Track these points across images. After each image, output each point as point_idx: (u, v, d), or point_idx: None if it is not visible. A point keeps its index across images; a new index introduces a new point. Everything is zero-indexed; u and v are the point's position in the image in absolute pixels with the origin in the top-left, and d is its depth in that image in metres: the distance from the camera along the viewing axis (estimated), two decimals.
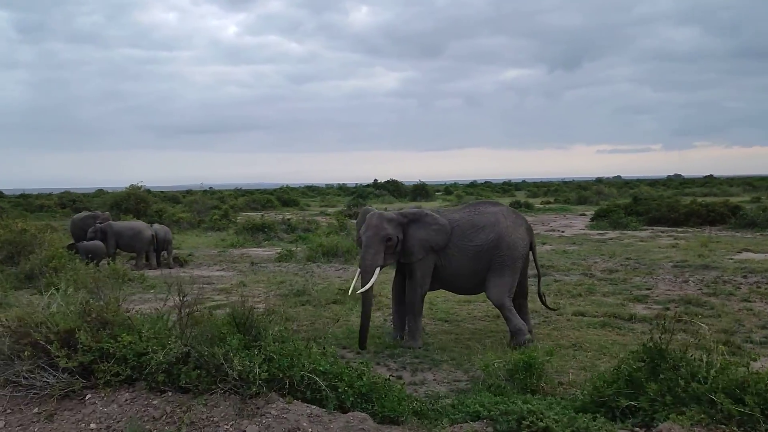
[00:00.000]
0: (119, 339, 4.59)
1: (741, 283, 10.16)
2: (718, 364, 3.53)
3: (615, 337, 7.14)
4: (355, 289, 7.11)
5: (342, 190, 72.88)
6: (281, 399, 4.18)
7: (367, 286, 6.74)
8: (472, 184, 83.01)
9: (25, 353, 4.62)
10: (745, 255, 13.72)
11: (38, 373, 4.59)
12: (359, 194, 50.91)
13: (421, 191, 50.22)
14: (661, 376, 3.67)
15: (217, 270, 13.70)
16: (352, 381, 4.29)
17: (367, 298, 6.81)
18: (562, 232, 20.68)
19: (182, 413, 4.18)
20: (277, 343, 4.40)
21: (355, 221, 19.41)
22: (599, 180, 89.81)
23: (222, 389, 4.24)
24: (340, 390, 4.20)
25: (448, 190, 61.37)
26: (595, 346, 6.67)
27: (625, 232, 19.83)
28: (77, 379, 4.49)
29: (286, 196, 44.00)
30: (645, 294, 9.54)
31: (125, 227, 13.96)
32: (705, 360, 3.58)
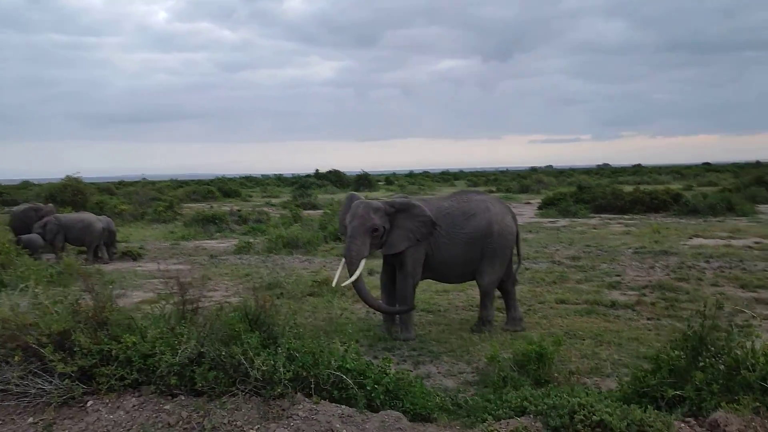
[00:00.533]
0: (121, 340, 4.26)
1: (705, 268, 10.46)
2: (766, 351, 3.51)
3: (604, 323, 7.19)
4: (339, 281, 6.90)
5: (281, 180, 71.93)
6: (307, 399, 3.96)
7: (353, 278, 6.54)
8: (411, 174, 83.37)
9: (15, 358, 4.24)
10: (696, 241, 14.18)
11: (31, 379, 4.21)
12: (301, 185, 50.31)
13: (364, 181, 50.01)
14: (702, 364, 3.63)
15: (175, 263, 13.17)
16: (379, 378, 4.10)
17: (360, 288, 6.61)
18: None
19: (200, 418, 3.90)
20: (296, 340, 4.17)
21: (305, 212, 19.11)
22: (534, 169, 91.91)
23: (242, 391, 3.98)
24: (368, 388, 4.00)
25: (389, 180, 61.41)
26: (589, 334, 6.69)
27: (575, 219, 20.23)
28: (76, 384, 4.13)
29: (226, 187, 42.99)
30: (617, 280, 9.69)
31: (74, 220, 13.22)
32: (751, 347, 3.55)
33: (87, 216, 13.64)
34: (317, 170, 57.18)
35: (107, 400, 4.14)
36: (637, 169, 72.19)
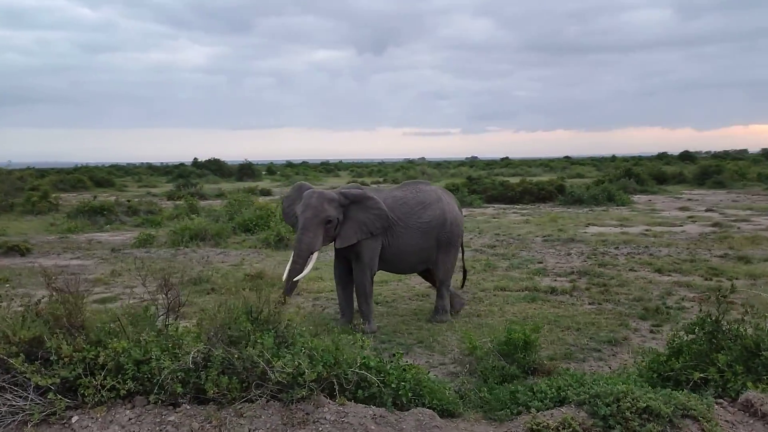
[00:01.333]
0: (107, 346, 3.79)
1: (616, 254, 11.08)
2: None
3: (554, 309, 7.39)
4: (290, 275, 6.54)
5: (153, 169, 68.48)
6: (331, 401, 3.70)
7: (305, 273, 6.25)
8: (291, 165, 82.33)
9: None
10: (593, 229, 15.02)
11: (1, 396, 3.64)
12: (180, 174, 48.17)
13: (248, 171, 48.72)
14: (721, 345, 3.78)
15: (72, 258, 12.09)
16: (401, 375, 3.92)
17: (293, 285, 6.30)
18: None
19: (214, 429, 3.54)
20: (313, 339, 3.89)
21: (181, 203, 18.25)
22: (410, 161, 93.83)
23: (258, 396, 3.66)
24: (393, 386, 3.81)
25: (271, 170, 60.30)
26: (545, 320, 6.82)
27: (471, 209, 20.79)
28: (58, 398, 3.62)
29: (98, 176, 40.24)
30: (541, 267, 10.02)
31: None
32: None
33: None
34: (196, 159, 54.98)
35: (95, 415, 3.67)
36: (508, 162, 75.70)
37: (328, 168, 67.87)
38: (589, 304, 7.70)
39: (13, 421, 3.59)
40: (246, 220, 14.81)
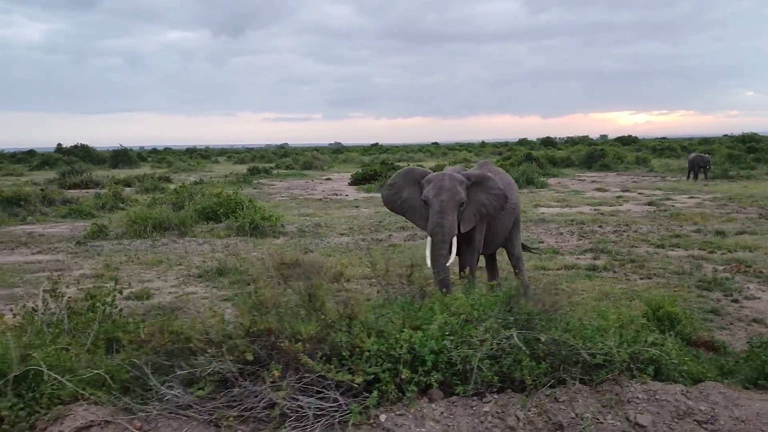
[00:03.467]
0: (398, 337, 3.51)
1: (604, 233, 11.72)
2: None
3: (621, 285, 7.69)
4: (437, 262, 6.08)
5: (2, 156, 61.99)
6: (632, 381, 3.66)
7: (452, 258, 6.04)
8: (155, 150, 78.06)
9: (274, 373, 3.29)
10: (544, 209, 15.73)
11: (300, 397, 3.29)
12: (45, 161, 44.07)
13: (123, 158, 45.50)
14: None
15: (32, 254, 10.75)
16: (669, 350, 3.95)
17: (445, 271, 6.06)
18: (346, 195, 21.04)
19: (537, 416, 3.40)
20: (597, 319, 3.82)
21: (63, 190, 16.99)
22: (269, 147, 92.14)
23: (567, 379, 3.55)
24: (675, 361, 3.84)
25: (141, 156, 56.84)
26: (621, 296, 7.07)
27: None
28: (372, 396, 3.33)
29: None
30: (550, 247, 10.37)
31: None
32: None
33: None
34: (60, 145, 50.43)
35: (399, 411, 3.39)
36: (386, 149, 76.70)
37: (203, 155, 65.10)
38: (641, 279, 8.10)
39: (318, 423, 3.23)
40: (205, 207, 13.95)
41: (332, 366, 3.34)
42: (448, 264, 5.94)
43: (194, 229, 12.84)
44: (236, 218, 12.93)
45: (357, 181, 25.31)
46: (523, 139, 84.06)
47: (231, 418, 3.23)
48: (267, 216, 13.08)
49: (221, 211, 13.63)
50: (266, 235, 12.40)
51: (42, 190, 17.79)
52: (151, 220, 12.60)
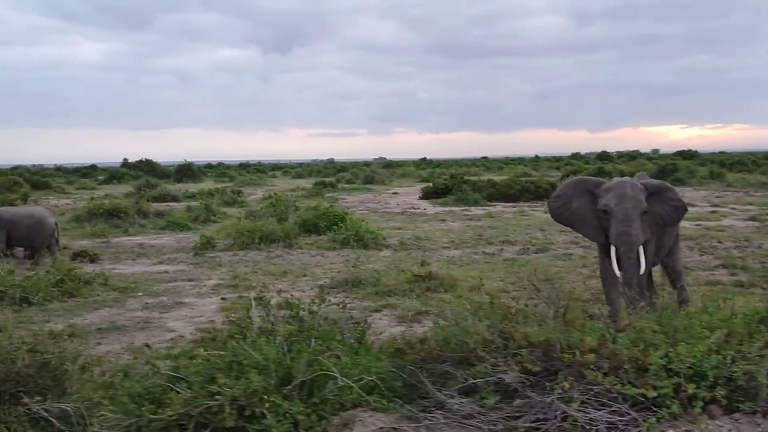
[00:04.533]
0: (673, 351, 3.41)
1: (726, 248, 11.40)
2: None
3: None
4: (627, 273, 5.87)
5: (61, 170, 64.06)
6: None
7: (644, 267, 5.91)
8: (209, 165, 79.58)
9: (563, 384, 3.22)
10: None
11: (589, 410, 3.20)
12: (113, 176, 45.40)
13: (187, 172, 46.48)
14: None
15: (152, 264, 11.00)
16: None
17: (641, 282, 5.94)
18: (424, 209, 21.02)
19: None
20: None
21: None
22: (315, 162, 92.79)
23: None
24: None
25: (202, 171, 58.01)
26: None
27: (483, 208, 20.87)
28: (639, 412, 3.23)
29: (34, 179, 37.17)
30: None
31: (22, 215, 10.37)
32: None
33: (36, 210, 10.81)
34: (126, 160, 51.89)
35: (685, 427, 3.29)
36: (438, 163, 76.62)
37: (259, 169, 66.05)
38: None
39: None
40: (306, 220, 14.10)
41: (618, 379, 3.26)
42: (641, 273, 5.83)
43: (297, 240, 12.95)
44: (338, 231, 13.03)
45: (429, 195, 25.30)
46: (576, 153, 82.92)
47: (522, 430, 3.18)
48: (369, 229, 13.15)
49: (322, 223, 13.76)
50: (370, 247, 12.43)
51: (137, 203, 18.23)
52: (258, 232, 12.78)
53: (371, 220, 17.03)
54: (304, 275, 9.64)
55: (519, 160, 78.17)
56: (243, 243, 12.64)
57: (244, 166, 76.83)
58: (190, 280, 9.46)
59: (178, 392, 3.17)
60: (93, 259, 11.15)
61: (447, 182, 26.00)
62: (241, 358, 3.37)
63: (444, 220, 17.47)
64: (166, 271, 10.21)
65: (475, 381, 3.36)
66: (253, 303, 4.61)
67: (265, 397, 3.11)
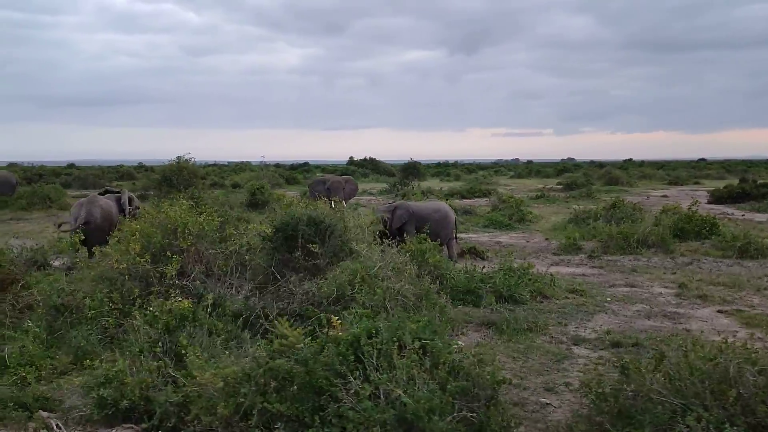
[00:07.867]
0: None
1: None
2: None
3: None
4: None
5: (278, 167, 67.82)
6: None
7: None
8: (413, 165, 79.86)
9: None
10: None
11: None
12: (344, 173, 47.19)
13: (413, 170, 47.01)
14: None
15: (550, 265, 10.45)
16: None
17: None
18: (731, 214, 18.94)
19: None
20: None
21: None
22: (498, 162, 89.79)
23: None
24: None
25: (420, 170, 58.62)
26: None
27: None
28: None
29: (285, 175, 39.71)
30: None
31: (430, 208, 10.36)
32: None
33: (441, 205, 10.80)
34: (351, 158, 54.00)
35: None
36: (640, 164, 70.82)
37: (469, 169, 65.64)
38: None
39: None
40: (675, 224, 13.00)
41: None
42: None
43: (672, 246, 11.83)
44: (719, 237, 11.88)
45: (719, 200, 22.98)
46: None
47: None
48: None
49: (692, 228, 12.63)
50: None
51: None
52: (632, 236, 11.90)
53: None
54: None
55: (748, 163, 70.46)
56: (617, 246, 11.77)
57: (443, 165, 76.66)
58: (632, 286, 8.73)
59: None
60: (482, 256, 10.89)
61: (744, 187, 23.44)
62: None
63: None
64: (583, 274, 9.61)
65: None
66: None
67: None
